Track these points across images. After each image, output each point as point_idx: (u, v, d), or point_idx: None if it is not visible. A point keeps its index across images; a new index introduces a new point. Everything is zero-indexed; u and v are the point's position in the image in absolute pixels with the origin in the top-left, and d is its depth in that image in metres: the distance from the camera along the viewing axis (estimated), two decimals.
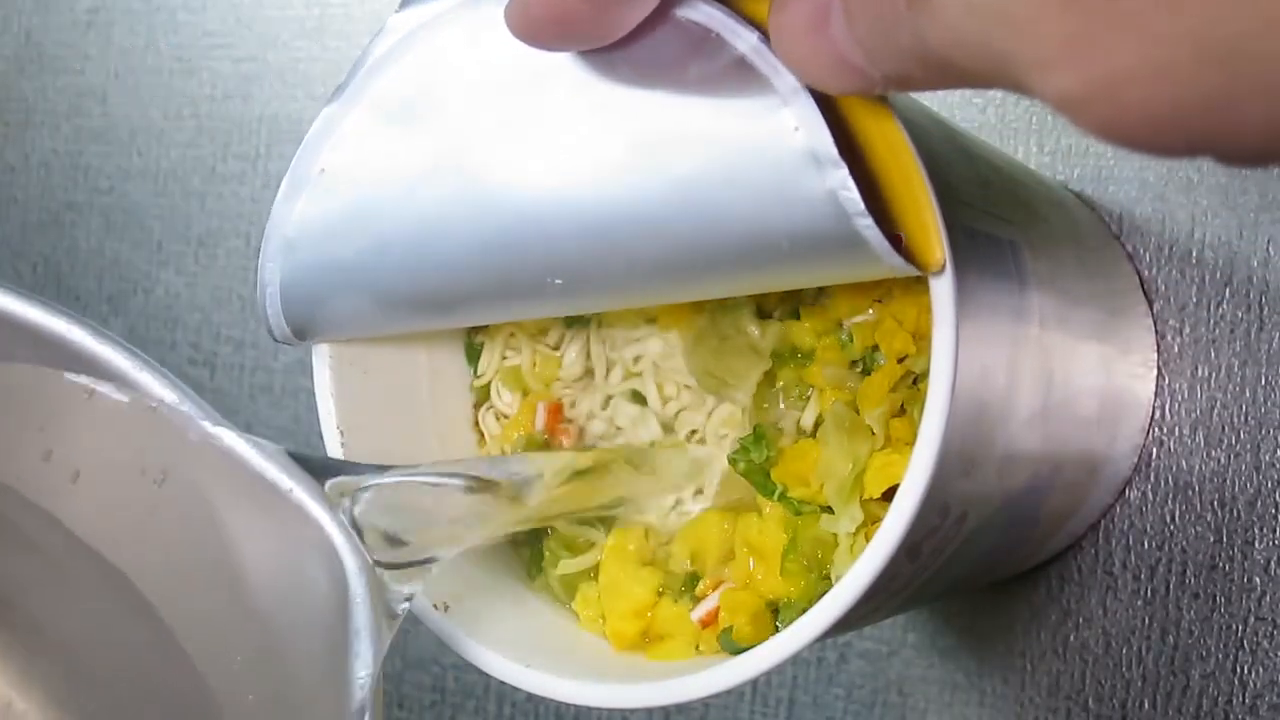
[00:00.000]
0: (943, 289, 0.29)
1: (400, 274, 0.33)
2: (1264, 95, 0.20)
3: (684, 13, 0.29)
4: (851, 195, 0.28)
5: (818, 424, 0.34)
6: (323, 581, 0.29)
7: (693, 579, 0.35)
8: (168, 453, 0.30)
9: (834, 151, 0.27)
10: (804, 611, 0.31)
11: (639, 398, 0.37)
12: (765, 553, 0.34)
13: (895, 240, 0.29)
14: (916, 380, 0.33)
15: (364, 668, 0.28)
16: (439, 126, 0.31)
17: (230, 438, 0.29)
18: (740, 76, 0.28)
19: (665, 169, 0.29)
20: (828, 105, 0.29)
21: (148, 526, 0.31)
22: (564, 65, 0.30)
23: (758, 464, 0.34)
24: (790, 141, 0.28)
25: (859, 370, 0.34)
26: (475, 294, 0.33)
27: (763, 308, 0.35)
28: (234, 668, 0.30)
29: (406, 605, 0.31)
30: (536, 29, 0.28)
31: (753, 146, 0.28)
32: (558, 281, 0.32)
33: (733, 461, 0.34)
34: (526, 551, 0.38)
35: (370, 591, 0.29)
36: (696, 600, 0.35)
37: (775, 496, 0.34)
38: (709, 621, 0.35)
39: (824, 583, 0.33)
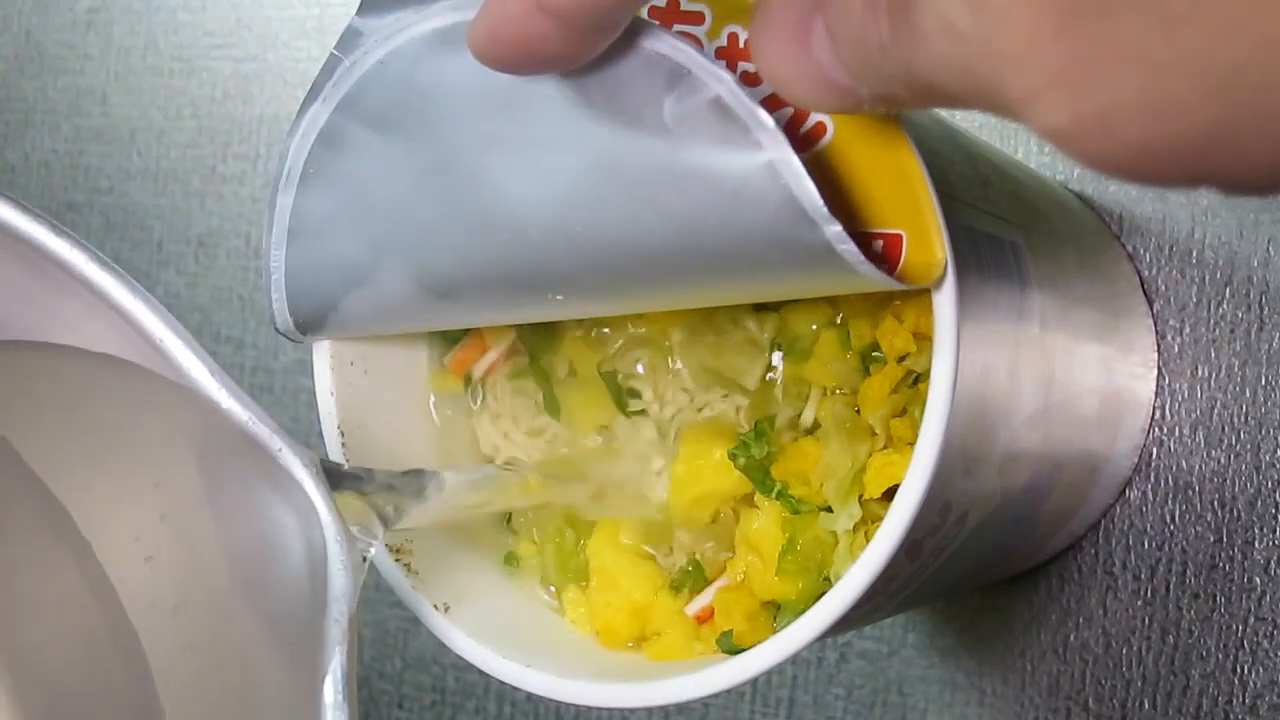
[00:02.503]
0: (944, 289, 0.29)
1: (399, 278, 0.33)
2: (1267, 124, 0.20)
3: (653, 45, 0.28)
4: (849, 248, 0.27)
5: (816, 422, 0.34)
6: (297, 546, 0.28)
7: (695, 569, 0.35)
8: (156, 389, 0.29)
9: (824, 208, 0.27)
10: (802, 612, 0.31)
11: (636, 394, 0.37)
12: (762, 552, 0.34)
13: (895, 240, 0.29)
14: (917, 380, 0.33)
15: (339, 629, 0.28)
16: (422, 137, 0.31)
17: (224, 395, 0.29)
18: (719, 117, 0.28)
19: (654, 205, 0.29)
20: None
21: (106, 463, 0.30)
22: (538, 87, 0.29)
23: (757, 460, 0.34)
24: (778, 194, 0.27)
25: (860, 367, 0.34)
26: (476, 302, 0.34)
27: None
28: (178, 631, 0.30)
29: (369, 557, 0.30)
30: (502, 52, 0.27)
31: (739, 192, 0.28)
32: (559, 297, 0.32)
33: (732, 457, 0.34)
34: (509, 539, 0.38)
35: (350, 556, 0.28)
36: (694, 593, 0.35)
37: (774, 494, 0.34)
38: (705, 618, 0.35)
39: (822, 583, 0.33)
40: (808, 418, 0.34)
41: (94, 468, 0.30)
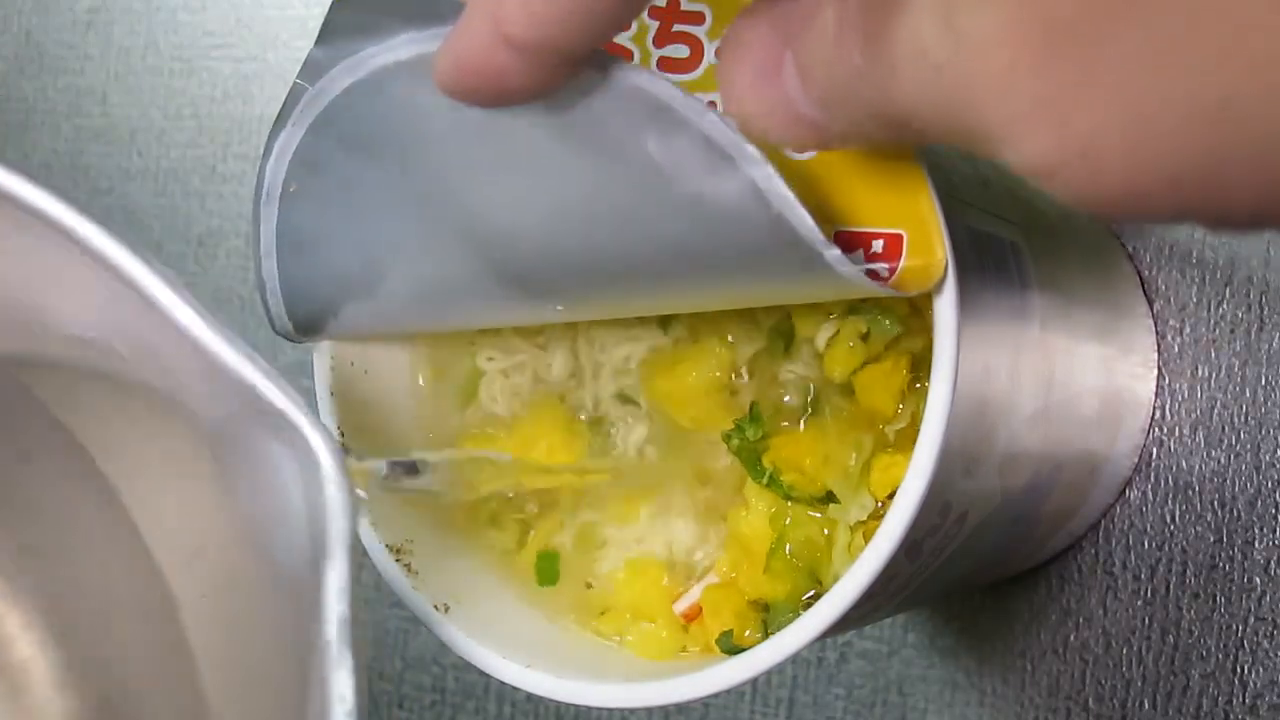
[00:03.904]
0: (945, 290, 0.29)
1: (395, 289, 0.33)
2: (1255, 160, 0.19)
3: (632, 79, 0.27)
4: (850, 270, 0.27)
5: (810, 409, 0.34)
6: (297, 492, 0.28)
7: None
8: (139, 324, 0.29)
9: (819, 234, 0.27)
10: (792, 611, 0.31)
11: (629, 398, 0.37)
12: (751, 550, 0.34)
13: (895, 240, 0.29)
14: (917, 366, 0.33)
15: (337, 573, 0.27)
16: (401, 161, 0.31)
17: (224, 346, 0.28)
18: (704, 149, 0.27)
19: (646, 228, 0.29)
20: None
21: (131, 420, 0.30)
22: (517, 119, 0.29)
23: (751, 443, 0.34)
24: (772, 220, 0.27)
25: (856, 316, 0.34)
26: (475, 312, 0.34)
27: None
28: (198, 577, 0.30)
29: (364, 500, 0.30)
30: (468, 84, 0.26)
31: (732, 218, 0.27)
32: (559, 308, 0.32)
33: (726, 439, 0.34)
34: (520, 548, 0.38)
35: (347, 498, 0.28)
36: (684, 592, 0.36)
37: (765, 480, 0.34)
38: (693, 616, 0.35)
39: (812, 584, 0.33)
40: (796, 400, 0.34)
41: (120, 422, 0.30)
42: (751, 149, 0.27)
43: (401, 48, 0.29)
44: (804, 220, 0.27)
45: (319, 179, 0.32)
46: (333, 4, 0.30)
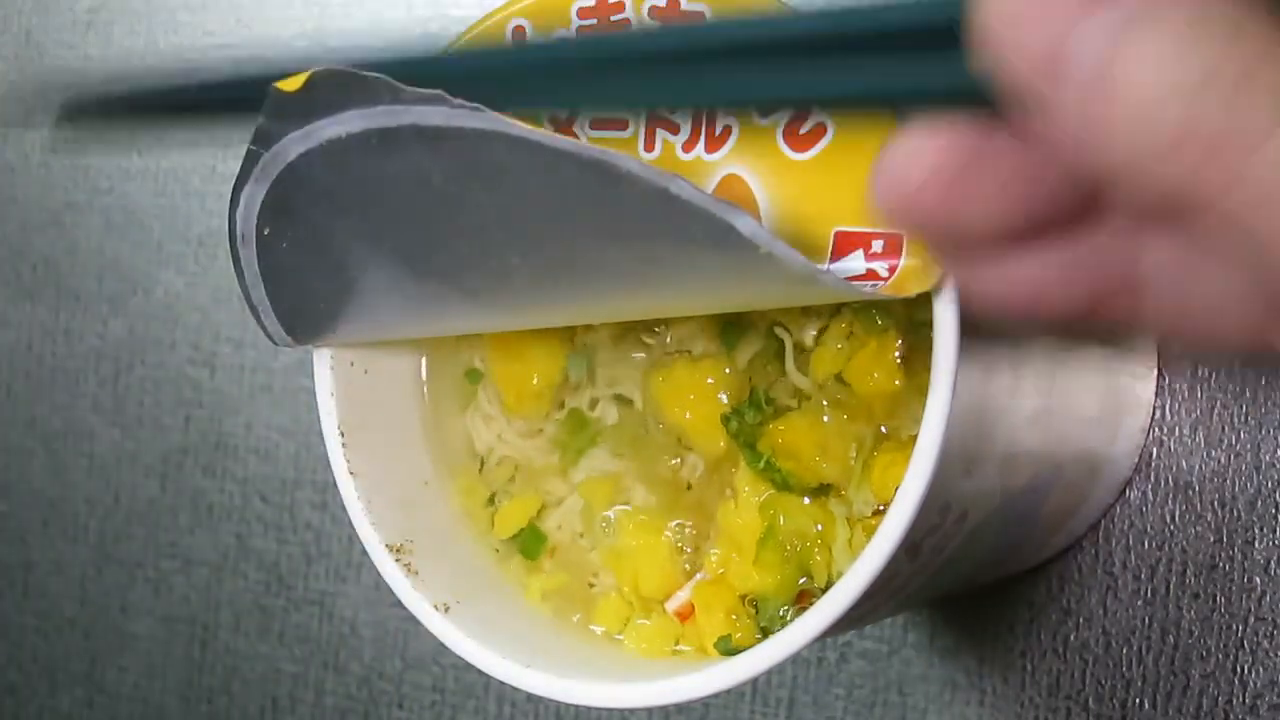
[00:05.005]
0: (944, 290, 0.29)
1: (388, 307, 0.34)
2: None
3: (589, 153, 0.27)
4: (851, 285, 0.28)
5: (807, 394, 0.34)
6: None
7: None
8: None
9: (811, 266, 0.27)
10: (781, 606, 0.31)
11: (624, 399, 0.37)
12: (741, 544, 0.34)
13: (895, 240, 0.29)
14: (913, 346, 0.33)
15: None
16: (369, 212, 0.32)
17: None
18: (677, 207, 0.27)
19: (639, 264, 0.30)
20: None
21: None
22: (481, 186, 0.29)
23: (750, 427, 0.34)
24: (768, 259, 0.27)
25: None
26: (471, 322, 0.35)
27: None
28: None
29: None
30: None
31: (728, 255, 0.28)
32: (555, 317, 0.33)
33: (725, 423, 0.35)
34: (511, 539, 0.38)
35: None
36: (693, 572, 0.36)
37: (762, 465, 0.34)
38: (685, 614, 0.35)
39: (801, 577, 0.34)
40: (791, 384, 0.34)
41: None
42: (719, 204, 0.27)
43: (351, 121, 0.30)
44: (794, 257, 0.27)
45: (290, 225, 0.33)
46: (272, 88, 0.30)
